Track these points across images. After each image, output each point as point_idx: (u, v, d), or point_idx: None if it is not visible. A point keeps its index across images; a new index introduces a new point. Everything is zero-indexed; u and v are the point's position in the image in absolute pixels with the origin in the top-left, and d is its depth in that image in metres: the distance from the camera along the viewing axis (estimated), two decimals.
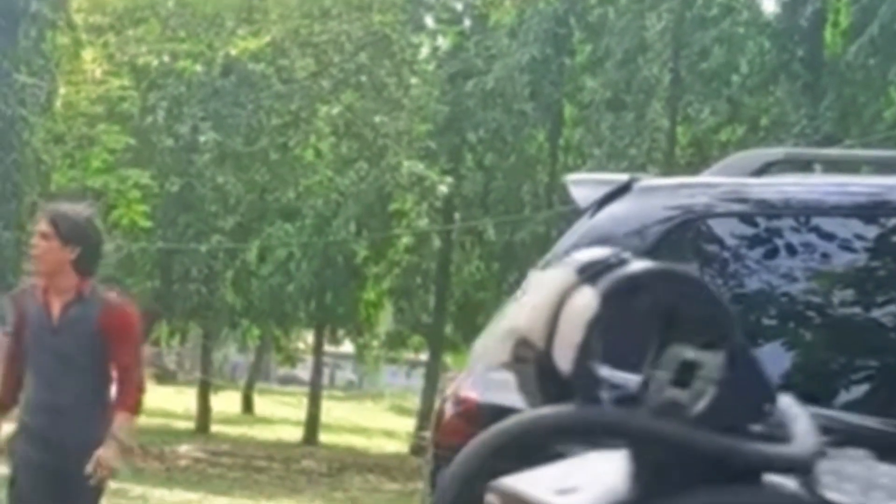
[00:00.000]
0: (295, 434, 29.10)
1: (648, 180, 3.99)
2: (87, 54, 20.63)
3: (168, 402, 34.26)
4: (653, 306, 1.63)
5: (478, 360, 2.15)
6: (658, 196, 3.79)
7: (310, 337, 33.01)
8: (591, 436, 1.59)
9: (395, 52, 22.11)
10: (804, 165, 4.36)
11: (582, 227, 3.71)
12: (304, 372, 40.30)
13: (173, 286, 22.16)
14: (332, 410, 33.96)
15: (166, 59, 20.25)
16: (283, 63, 21.11)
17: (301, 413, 30.33)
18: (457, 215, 23.77)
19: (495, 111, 21.37)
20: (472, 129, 22.13)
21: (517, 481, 1.63)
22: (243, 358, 41.60)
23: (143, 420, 21.76)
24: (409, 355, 36.25)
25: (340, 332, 32.31)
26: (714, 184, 3.81)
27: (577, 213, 3.86)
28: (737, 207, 3.70)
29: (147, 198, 19.19)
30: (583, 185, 4.02)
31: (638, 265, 1.63)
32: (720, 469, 1.56)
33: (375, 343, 33.42)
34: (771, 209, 3.69)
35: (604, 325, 1.57)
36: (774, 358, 3.49)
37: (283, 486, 19.79)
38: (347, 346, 37.16)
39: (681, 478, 1.56)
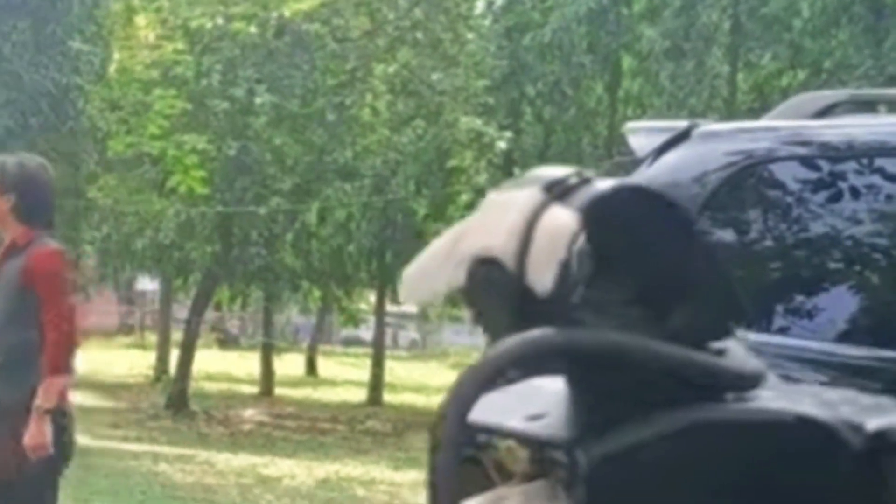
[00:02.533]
0: (359, 395, 29.19)
1: (708, 126, 3.87)
2: (141, 19, 20.54)
3: (231, 366, 34.52)
4: (624, 224, 1.66)
5: (415, 286, 1.89)
6: (718, 141, 3.68)
7: (372, 297, 33.10)
8: (580, 356, 1.63)
9: (450, 8, 21.94)
10: (868, 106, 4.18)
11: (640, 175, 3.56)
12: (366, 333, 40.44)
13: (233, 250, 22.08)
14: (395, 370, 34.10)
15: (220, 21, 20.07)
16: (338, 22, 20.94)
17: (364, 374, 30.43)
18: (516, 170, 23.56)
19: (553, 64, 21.19)
20: (530, 83, 21.97)
21: (484, 413, 1.68)
22: (305, 320, 41.69)
23: (206, 385, 21.99)
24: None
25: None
26: (775, 127, 3.71)
27: (635, 163, 3.72)
28: (799, 151, 3.60)
29: (204, 162, 19.12)
30: (641, 134, 3.92)
31: (608, 182, 1.70)
32: (683, 384, 1.60)
33: (437, 301, 33.33)
34: (834, 151, 3.57)
35: (580, 242, 1.62)
36: (840, 302, 3.45)
37: (347, 447, 19.88)
38: (410, 306, 37.16)
39: (645, 398, 1.62)
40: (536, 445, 1.71)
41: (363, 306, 36.45)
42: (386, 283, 29.46)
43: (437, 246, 1.86)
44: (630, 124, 4.39)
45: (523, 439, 1.72)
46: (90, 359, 35.82)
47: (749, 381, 1.64)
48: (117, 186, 20.75)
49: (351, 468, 16.79)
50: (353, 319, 34.47)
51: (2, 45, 15.88)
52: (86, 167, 17.89)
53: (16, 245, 6.01)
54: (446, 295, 1.81)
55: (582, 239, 1.65)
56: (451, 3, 21.90)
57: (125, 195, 20.75)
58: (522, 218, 1.67)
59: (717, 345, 1.65)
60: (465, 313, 1.83)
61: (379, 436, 22.02)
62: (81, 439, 17.29)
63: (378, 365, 29.34)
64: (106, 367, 32.95)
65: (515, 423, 1.73)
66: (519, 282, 1.66)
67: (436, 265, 1.83)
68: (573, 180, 1.72)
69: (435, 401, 29.76)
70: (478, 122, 20.72)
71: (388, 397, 29.14)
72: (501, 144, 21.34)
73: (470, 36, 22.54)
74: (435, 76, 21.32)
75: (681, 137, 3.64)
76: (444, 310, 36.77)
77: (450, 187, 23.06)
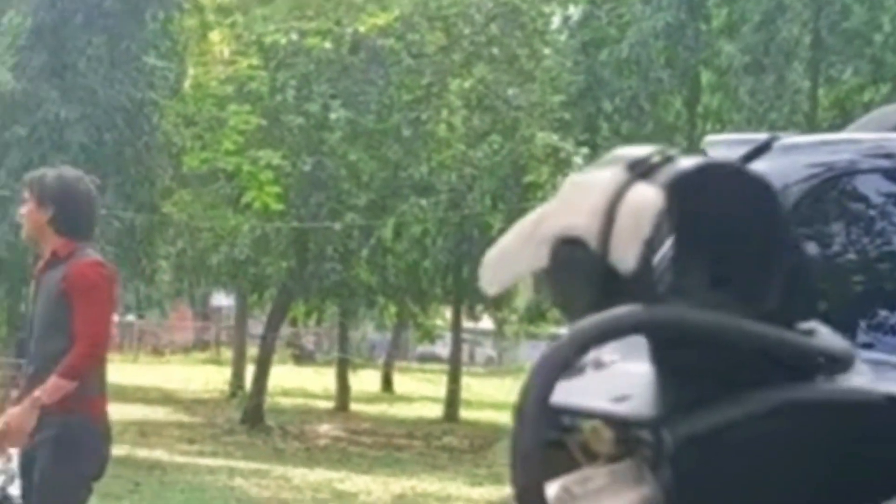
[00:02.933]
0: (435, 411, 29.12)
1: (789, 138, 3.74)
2: (215, 35, 20.64)
3: (306, 382, 34.59)
4: (710, 201, 1.65)
5: (496, 271, 1.86)
6: (799, 154, 3.50)
7: (448, 313, 33.02)
8: (664, 334, 1.62)
9: (526, 23, 21.84)
10: None
11: None
12: (442, 349, 40.36)
13: (308, 266, 22.05)
14: (472, 387, 33.96)
15: (294, 37, 20.10)
16: (413, 38, 20.90)
17: (441, 390, 30.34)
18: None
19: (630, 79, 20.99)
20: (607, 98, 21.76)
21: (568, 396, 1.69)
22: (381, 336, 41.71)
23: (282, 400, 22.05)
24: (549, 329, 36.06)
25: (479, 308, 32.12)
26: (857, 139, 3.58)
27: None
28: (882, 163, 3.43)
29: (279, 178, 19.13)
30: (721, 147, 3.83)
31: (692, 159, 1.70)
32: (774, 364, 1.60)
33: (514, 318, 33.26)
34: None
35: (667, 219, 1.61)
36: None
37: (424, 463, 19.81)
38: (486, 323, 37.07)
39: (733, 378, 1.61)
40: (622, 425, 1.71)
41: (439, 322, 36.40)
42: (462, 298, 29.40)
43: (519, 228, 1.85)
44: (709, 137, 4.34)
45: (609, 419, 1.72)
46: (166, 374, 36.22)
47: (840, 362, 1.64)
48: (192, 202, 20.83)
49: (427, 484, 16.72)
50: (429, 335, 34.43)
51: (77, 61, 15.92)
52: (161, 182, 17.92)
53: (57, 256, 5.99)
54: (527, 278, 1.79)
55: (666, 217, 1.64)
56: (528, 19, 21.81)
57: (200, 210, 20.82)
58: (606, 197, 1.66)
59: (804, 325, 1.65)
60: (548, 295, 1.81)
61: (456, 452, 21.94)
62: (158, 454, 17.46)
63: (454, 381, 29.24)
64: (182, 383, 33.14)
65: (601, 403, 1.74)
66: (602, 261, 1.65)
67: (517, 247, 1.81)
68: (656, 158, 1.70)
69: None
70: (554, 138, 20.59)
71: (464, 413, 29.06)
72: (578, 160, 21.20)
73: (546, 51, 22.45)
74: (511, 91, 21.24)
75: (761, 150, 3.56)
76: (521, 326, 36.58)
77: (526, 202, 22.83)
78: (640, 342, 1.71)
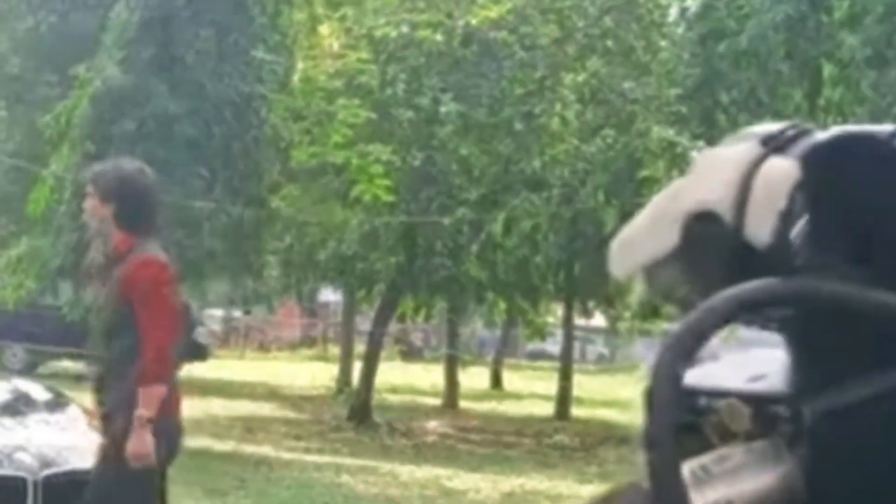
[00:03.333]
0: (545, 409, 29.03)
1: None
2: (325, 28, 20.62)
3: (414, 378, 34.66)
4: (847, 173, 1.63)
5: (626, 253, 1.88)
6: None
7: (559, 310, 32.85)
8: (801, 308, 1.61)
9: (643, 15, 21.60)
10: None
11: None
12: (553, 346, 40.21)
13: (417, 261, 21.92)
14: (583, 384, 33.83)
15: (405, 30, 20.04)
16: (526, 30, 20.69)
17: (551, 388, 30.25)
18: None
19: (749, 72, 20.55)
20: (725, 91, 21.32)
21: (707, 375, 1.73)
22: (490, 333, 41.64)
23: (389, 397, 22.18)
24: (663, 326, 35.74)
25: (591, 305, 31.87)
26: None
27: None
28: None
29: (389, 172, 19.02)
30: None
31: (829, 132, 1.71)
32: None
33: (627, 314, 33.03)
34: None
35: (803, 192, 1.62)
36: None
37: (534, 461, 19.64)
38: (598, 320, 36.85)
39: (873, 353, 1.58)
40: (759, 402, 1.71)
41: (550, 319, 36.26)
42: (574, 295, 29.19)
43: (650, 207, 1.85)
44: (831, 130, 4.01)
45: (746, 397, 1.72)
46: (273, 370, 36.51)
47: None
48: (300, 197, 20.80)
49: (537, 482, 16.58)
50: (540, 333, 34.28)
51: (185, 55, 15.89)
52: (269, 177, 17.85)
53: (118, 252, 6.01)
54: (659, 262, 1.79)
55: (802, 190, 1.63)
56: (644, 11, 21.55)
57: (308, 205, 20.80)
58: (740, 170, 1.66)
59: None
60: (677, 277, 1.84)
61: (567, 450, 21.81)
62: (264, 450, 17.51)
63: (566, 378, 29.12)
64: (288, 379, 33.32)
65: (737, 383, 1.74)
66: (737, 235, 1.66)
67: (649, 227, 1.83)
68: (791, 132, 1.71)
69: (627, 416, 29.47)
70: (670, 132, 20.32)
71: (576, 411, 28.97)
72: (695, 154, 20.89)
73: (663, 43, 22.14)
74: (626, 84, 21.04)
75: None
76: (635, 323, 36.28)
77: (641, 198, 22.59)
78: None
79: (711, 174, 1.71)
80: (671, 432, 1.60)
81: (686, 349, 1.60)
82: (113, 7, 16.16)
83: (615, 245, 1.92)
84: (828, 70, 21.58)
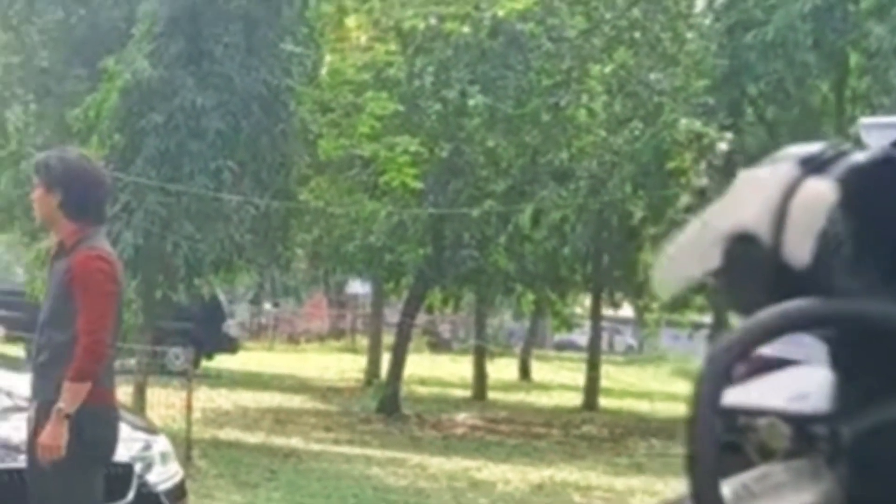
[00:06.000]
0: (574, 400, 29.00)
1: None
2: (352, 21, 20.65)
3: (443, 370, 34.62)
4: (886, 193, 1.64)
5: (668, 275, 1.92)
6: None
7: (587, 301, 32.82)
8: (842, 326, 1.63)
9: (670, 6, 21.48)
10: None
11: None
12: (581, 337, 40.23)
13: (445, 252, 21.91)
14: (611, 375, 33.79)
15: (433, 21, 20.01)
16: (553, 22, 20.63)
17: (579, 378, 30.22)
18: (738, 172, 22.91)
19: (776, 62, 20.43)
20: (752, 83, 21.23)
21: (749, 394, 1.73)
22: (518, 325, 41.61)
23: (418, 389, 22.18)
24: (691, 317, 35.77)
25: (618, 296, 31.84)
26: None
27: None
28: None
29: (416, 164, 19.02)
30: (875, 129, 3.63)
31: (867, 152, 1.69)
32: None
33: (655, 306, 32.99)
34: None
35: (842, 213, 1.62)
36: None
37: (563, 451, 19.58)
38: (625, 311, 36.80)
39: None
40: (799, 421, 1.72)
41: (578, 310, 36.22)
42: (602, 286, 29.17)
43: (689, 229, 1.87)
44: (864, 120, 4.13)
45: (786, 416, 1.73)
46: (302, 362, 36.55)
47: None
48: (328, 189, 20.82)
49: (566, 473, 16.51)
50: (567, 324, 34.27)
51: (213, 48, 15.88)
52: (297, 170, 17.85)
53: (63, 246, 5.91)
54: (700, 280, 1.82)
55: (841, 211, 1.64)
56: (671, 2, 21.47)
57: (336, 197, 20.81)
58: (778, 191, 1.68)
59: None
60: (720, 297, 1.86)
61: (595, 441, 21.74)
62: (294, 442, 17.58)
63: (594, 369, 29.04)
64: (317, 371, 33.36)
65: (778, 402, 1.75)
66: (775, 256, 1.67)
67: (689, 248, 1.85)
68: (829, 153, 1.71)
69: (655, 407, 29.49)
70: (697, 123, 20.24)
71: (604, 402, 28.90)
72: (722, 145, 20.91)
73: (690, 35, 22.04)
74: (653, 76, 20.99)
75: None
76: (663, 314, 36.25)
77: (668, 189, 22.60)
78: (813, 344, 1.72)
79: (750, 195, 1.73)
80: (713, 451, 1.61)
81: (727, 368, 1.61)
82: (142, 0, 16.18)
83: (658, 264, 1.94)
84: (854, 60, 21.52)
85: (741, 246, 1.71)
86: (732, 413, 1.71)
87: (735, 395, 1.65)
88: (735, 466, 1.75)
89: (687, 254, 1.86)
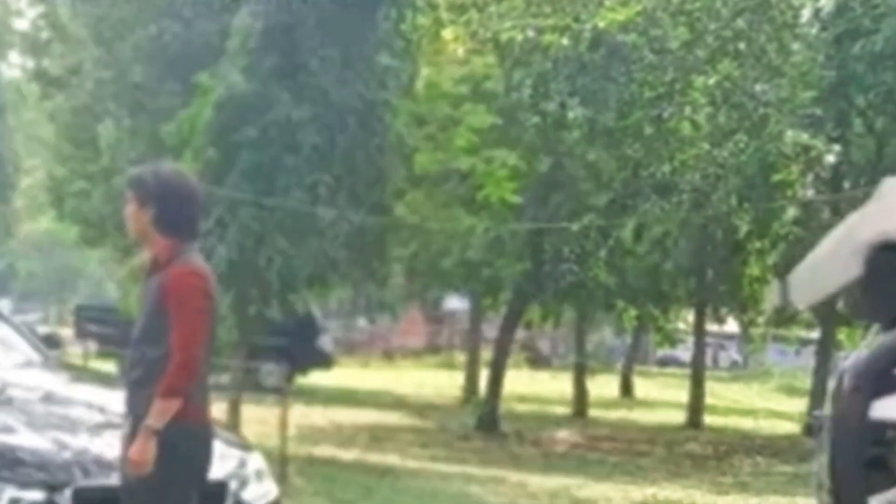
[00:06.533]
0: (677, 417, 28.77)
1: None
2: (449, 33, 20.57)
3: (542, 386, 34.50)
4: None
5: (806, 286, 1.45)
6: None
7: (690, 316, 32.53)
8: None
9: (775, 16, 21.07)
10: None
11: None
12: (684, 353, 39.89)
13: (544, 267, 21.72)
14: (716, 391, 33.48)
15: (531, 34, 19.87)
16: (656, 33, 20.34)
17: (683, 395, 29.93)
18: (846, 184, 22.54)
19: (886, 74, 19.99)
20: (861, 94, 20.79)
21: (891, 408, 1.97)
22: (619, 341, 41.37)
23: (517, 406, 22.15)
24: (798, 332, 35.40)
25: (723, 311, 31.49)
26: None
27: None
28: None
29: (515, 178, 18.85)
30: None
31: None
32: None
33: (761, 321, 32.66)
34: None
35: None
36: None
37: (665, 470, 19.35)
38: (730, 326, 36.43)
39: None
40: None
41: (681, 325, 35.94)
42: (706, 301, 28.83)
43: (829, 240, 1.73)
44: None
45: None
46: (398, 379, 36.61)
47: None
48: (424, 203, 20.70)
49: (669, 492, 16.34)
50: (670, 339, 34.03)
51: (309, 62, 15.78)
52: (392, 184, 17.71)
53: (157, 262, 5.87)
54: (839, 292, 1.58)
55: None
56: (777, 12, 21.03)
57: (432, 212, 20.69)
58: None
59: None
60: (858, 306, 1.66)
61: (699, 459, 21.54)
62: (390, 459, 17.51)
63: (698, 385, 28.76)
64: (414, 388, 33.34)
65: None
66: None
67: (829, 259, 1.83)
68: None
69: (760, 424, 29.13)
70: (804, 135, 19.92)
71: (708, 419, 28.64)
72: (830, 158, 20.56)
73: (796, 45, 21.65)
74: (758, 87, 20.62)
75: None
76: (769, 329, 35.83)
77: (774, 202, 22.25)
78: None
79: (891, 206, 1.69)
80: (859, 467, 1.50)
81: (872, 385, 1.50)
82: (236, 14, 16.12)
83: (794, 276, 1.89)
84: None
85: (885, 255, 1.69)
86: (881, 427, 1.68)
87: (883, 409, 1.59)
88: (881, 483, 1.68)
89: (826, 264, 1.87)
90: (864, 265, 1.30)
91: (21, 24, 28.65)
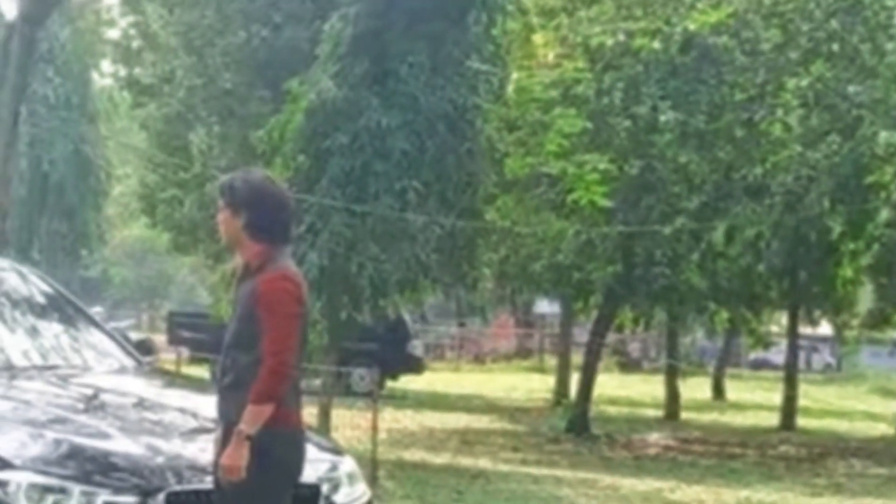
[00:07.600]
0: (770, 419, 28.55)
1: None
2: (539, 38, 20.53)
3: (633, 389, 34.34)
4: None
5: None
6: None
7: (783, 319, 32.23)
8: None
9: (869, 17, 20.82)
10: None
11: None
12: (776, 356, 39.46)
13: (635, 270, 21.68)
14: (809, 394, 33.15)
15: (622, 38, 19.81)
16: (748, 35, 20.23)
17: (775, 398, 29.68)
18: None
19: None
20: None
21: None
22: (710, 343, 41.07)
23: (608, 409, 22.11)
24: (893, 334, 34.92)
25: (816, 313, 31.18)
26: None
27: None
28: None
29: (605, 182, 18.79)
30: None
31: None
32: None
33: (855, 323, 32.30)
34: None
35: None
36: None
37: (759, 472, 19.16)
38: (823, 328, 36.05)
39: None
40: None
41: (773, 328, 35.61)
42: (799, 303, 28.55)
43: None
44: None
45: None
46: (488, 382, 36.60)
47: None
48: (515, 207, 20.71)
49: (763, 495, 16.18)
50: (763, 342, 33.69)
51: (398, 67, 15.84)
52: (483, 188, 17.72)
53: (249, 267, 5.89)
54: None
55: None
56: (870, 13, 20.79)
57: (523, 216, 20.69)
58: None
59: None
60: None
61: (793, 461, 21.35)
62: (482, 463, 17.57)
63: (791, 388, 28.50)
64: (504, 391, 33.32)
65: None
66: None
67: None
68: None
69: (854, 426, 28.81)
70: None
71: (802, 422, 28.35)
72: None
73: (890, 46, 21.34)
74: (852, 88, 20.32)
75: None
76: (863, 331, 35.38)
77: (868, 204, 21.96)
78: None
79: None
80: None
81: None
82: (327, 20, 16.21)
83: None
84: None
85: None
86: None
87: None
88: None
89: None
90: None
91: (113, 34, 28.96)
